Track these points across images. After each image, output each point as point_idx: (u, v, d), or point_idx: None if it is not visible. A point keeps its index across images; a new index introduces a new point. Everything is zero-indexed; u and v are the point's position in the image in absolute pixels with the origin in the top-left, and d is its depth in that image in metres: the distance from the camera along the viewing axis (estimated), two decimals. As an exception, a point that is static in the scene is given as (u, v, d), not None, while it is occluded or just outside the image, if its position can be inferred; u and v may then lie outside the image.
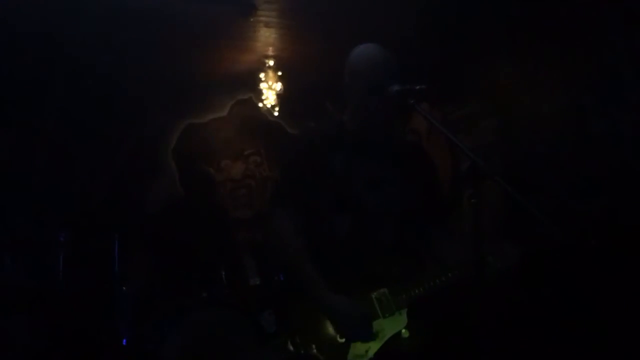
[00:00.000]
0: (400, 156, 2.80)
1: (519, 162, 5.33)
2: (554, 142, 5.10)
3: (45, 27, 5.45)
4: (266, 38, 6.07)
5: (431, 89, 2.46)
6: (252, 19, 5.60)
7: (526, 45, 5.43)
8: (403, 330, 2.54)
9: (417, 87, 2.51)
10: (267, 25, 5.76)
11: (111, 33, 5.60)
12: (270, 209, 2.77)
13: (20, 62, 5.95)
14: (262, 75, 6.45)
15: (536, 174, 5.17)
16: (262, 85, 6.48)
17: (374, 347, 2.53)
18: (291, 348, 2.55)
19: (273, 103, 6.52)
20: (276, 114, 6.76)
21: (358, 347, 2.53)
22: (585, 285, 4.59)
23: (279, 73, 6.43)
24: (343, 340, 2.54)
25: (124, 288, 5.28)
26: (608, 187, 4.56)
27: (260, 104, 6.66)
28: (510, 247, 2.52)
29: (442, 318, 2.67)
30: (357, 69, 2.71)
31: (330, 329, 2.56)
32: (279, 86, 6.47)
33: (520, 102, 5.48)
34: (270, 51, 6.34)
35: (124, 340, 5.14)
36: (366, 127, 2.76)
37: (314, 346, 2.54)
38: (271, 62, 6.41)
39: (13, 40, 5.55)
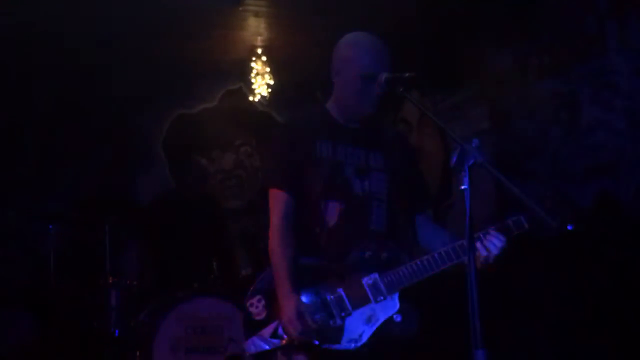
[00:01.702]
0: (385, 144, 2.81)
1: (510, 149, 5.34)
2: (545, 128, 5.11)
3: (38, 19, 5.42)
4: (255, 27, 6.06)
5: (421, 77, 2.46)
6: (241, 8, 5.58)
7: (518, 32, 5.43)
8: (395, 315, 2.55)
9: (407, 75, 2.51)
10: (256, 14, 5.74)
11: (100, 23, 5.57)
12: (263, 196, 2.76)
13: (10, 52, 5.91)
14: (251, 65, 6.43)
15: (527, 161, 5.18)
16: (252, 75, 6.46)
17: (367, 331, 2.53)
18: (280, 333, 2.54)
19: (263, 93, 6.51)
20: (266, 104, 6.75)
21: (351, 332, 2.53)
22: (577, 271, 4.61)
23: (269, 63, 6.41)
24: (339, 324, 2.54)
25: (116, 279, 5.26)
26: (600, 173, 4.58)
27: (250, 94, 6.65)
28: (498, 235, 2.52)
29: (434, 302, 2.68)
30: (348, 56, 2.70)
31: (323, 314, 2.55)
32: (268, 76, 6.45)
33: (512, 89, 5.48)
34: (260, 41, 6.32)
35: (116, 332, 5.13)
36: (352, 115, 2.76)
37: None
38: (260, 52, 6.39)
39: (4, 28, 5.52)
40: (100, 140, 6.81)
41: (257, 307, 2.60)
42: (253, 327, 2.60)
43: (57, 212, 5.74)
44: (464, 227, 2.09)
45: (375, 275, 2.58)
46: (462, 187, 2.06)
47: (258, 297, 2.62)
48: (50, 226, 5.43)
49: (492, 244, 2.50)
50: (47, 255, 5.41)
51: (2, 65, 6.04)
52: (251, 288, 2.67)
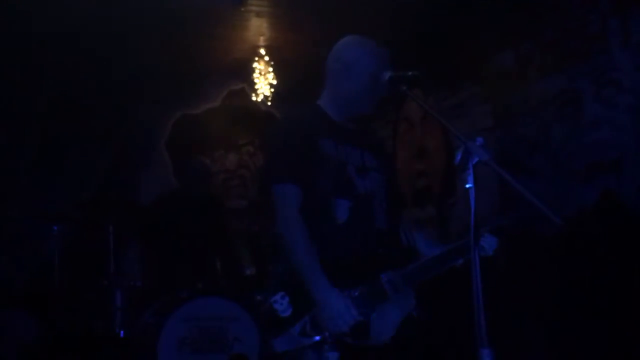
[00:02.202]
0: (375, 146, 2.86)
1: (512, 147, 5.34)
2: (548, 126, 5.11)
3: (38, 18, 5.43)
4: (258, 27, 6.06)
5: (424, 76, 2.46)
6: (243, 9, 5.59)
7: (520, 30, 5.43)
8: (413, 311, 2.55)
9: (410, 74, 2.52)
10: (258, 14, 5.75)
11: (103, 23, 5.57)
12: (264, 193, 2.70)
13: (11, 52, 5.92)
14: (254, 65, 6.44)
15: (530, 159, 5.18)
16: (255, 75, 6.46)
17: (389, 327, 2.52)
18: (309, 330, 2.47)
19: (266, 93, 6.51)
20: (269, 103, 6.75)
21: (376, 328, 2.50)
22: (578, 270, 4.61)
23: (271, 62, 6.41)
24: (365, 320, 2.49)
25: (120, 279, 5.26)
26: (603, 171, 4.58)
27: (253, 94, 6.65)
28: (490, 236, 2.55)
29: (450, 298, 2.69)
30: (350, 56, 2.71)
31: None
32: (271, 76, 6.45)
33: (514, 87, 5.48)
34: (262, 41, 6.32)
35: (121, 332, 5.14)
36: (351, 115, 2.77)
37: None
38: (263, 52, 6.39)
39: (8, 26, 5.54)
40: (103, 141, 6.82)
41: (281, 304, 2.49)
42: (278, 325, 2.50)
43: (61, 212, 5.74)
44: (470, 223, 2.09)
45: (391, 272, 2.58)
46: (467, 186, 2.07)
47: (281, 293, 2.51)
48: (55, 227, 5.45)
49: (487, 244, 2.56)
50: (51, 256, 5.42)
51: (5, 65, 6.04)
52: (269, 285, 2.59)
